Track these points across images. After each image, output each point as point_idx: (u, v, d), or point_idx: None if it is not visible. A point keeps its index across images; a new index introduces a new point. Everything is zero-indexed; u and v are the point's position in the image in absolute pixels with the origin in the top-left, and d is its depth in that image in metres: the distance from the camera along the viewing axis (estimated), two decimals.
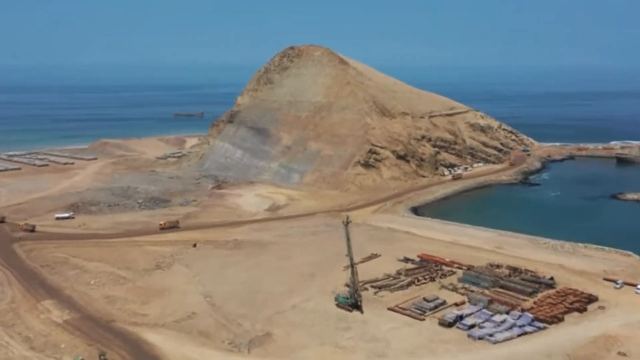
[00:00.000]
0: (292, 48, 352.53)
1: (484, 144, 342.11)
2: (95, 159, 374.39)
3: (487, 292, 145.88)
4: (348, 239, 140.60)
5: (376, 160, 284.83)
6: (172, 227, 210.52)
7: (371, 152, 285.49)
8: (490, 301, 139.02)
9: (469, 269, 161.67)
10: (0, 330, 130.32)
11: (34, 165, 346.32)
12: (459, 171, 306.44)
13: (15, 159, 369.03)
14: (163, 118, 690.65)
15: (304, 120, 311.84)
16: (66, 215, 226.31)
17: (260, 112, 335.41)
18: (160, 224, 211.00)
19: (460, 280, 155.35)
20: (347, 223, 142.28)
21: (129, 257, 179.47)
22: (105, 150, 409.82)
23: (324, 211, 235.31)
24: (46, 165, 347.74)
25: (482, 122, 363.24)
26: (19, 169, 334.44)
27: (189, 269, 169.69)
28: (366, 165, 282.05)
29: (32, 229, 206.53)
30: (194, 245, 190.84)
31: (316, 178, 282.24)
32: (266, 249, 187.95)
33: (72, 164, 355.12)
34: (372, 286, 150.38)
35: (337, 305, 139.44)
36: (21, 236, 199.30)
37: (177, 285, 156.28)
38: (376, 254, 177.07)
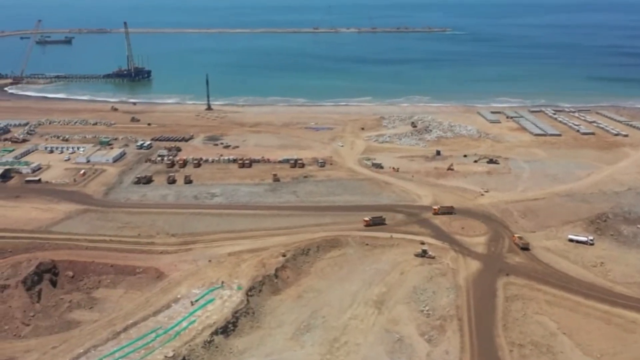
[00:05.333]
0: None
1: None
2: None
3: None
4: None
5: None
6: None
7: None
8: None
9: None
10: None
11: (577, 132, 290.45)
12: None
13: (560, 118, 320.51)
14: None
15: None
16: (583, 238, 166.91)
17: None
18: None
19: None
20: None
21: None
22: None
23: None
24: (592, 134, 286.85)
25: None
26: (559, 135, 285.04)
27: None
28: None
29: (526, 247, 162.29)
30: None
31: None
32: None
33: (625, 135, 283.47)
34: None
35: None
36: (515, 265, 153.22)
37: None
38: None
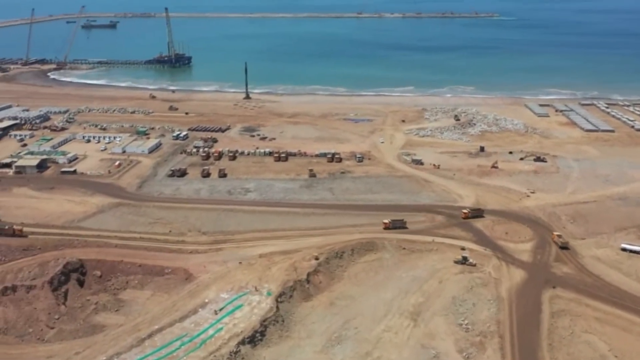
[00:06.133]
0: None
1: None
2: None
3: None
4: None
5: None
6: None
7: None
8: None
9: None
10: None
11: (632, 128, 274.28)
12: None
13: (613, 112, 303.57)
14: None
15: None
16: (637, 248, 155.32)
17: None
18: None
19: None
20: None
21: None
22: None
23: None
24: None
25: None
26: (612, 131, 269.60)
27: None
28: None
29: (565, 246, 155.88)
30: None
31: None
32: None
33: None
34: None
35: None
36: (562, 276, 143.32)
37: None
38: None
